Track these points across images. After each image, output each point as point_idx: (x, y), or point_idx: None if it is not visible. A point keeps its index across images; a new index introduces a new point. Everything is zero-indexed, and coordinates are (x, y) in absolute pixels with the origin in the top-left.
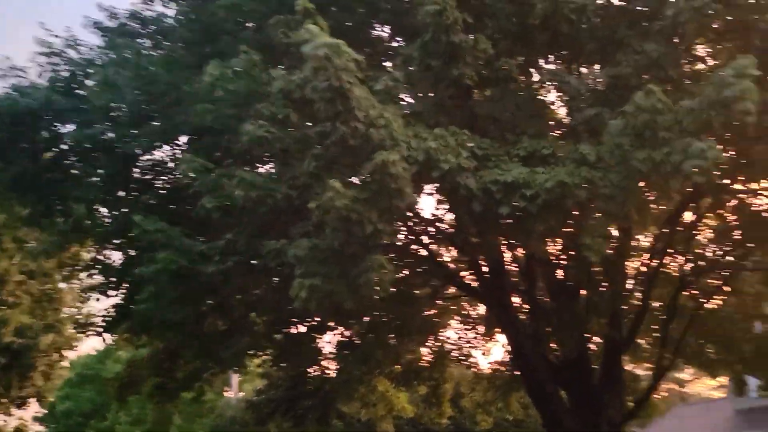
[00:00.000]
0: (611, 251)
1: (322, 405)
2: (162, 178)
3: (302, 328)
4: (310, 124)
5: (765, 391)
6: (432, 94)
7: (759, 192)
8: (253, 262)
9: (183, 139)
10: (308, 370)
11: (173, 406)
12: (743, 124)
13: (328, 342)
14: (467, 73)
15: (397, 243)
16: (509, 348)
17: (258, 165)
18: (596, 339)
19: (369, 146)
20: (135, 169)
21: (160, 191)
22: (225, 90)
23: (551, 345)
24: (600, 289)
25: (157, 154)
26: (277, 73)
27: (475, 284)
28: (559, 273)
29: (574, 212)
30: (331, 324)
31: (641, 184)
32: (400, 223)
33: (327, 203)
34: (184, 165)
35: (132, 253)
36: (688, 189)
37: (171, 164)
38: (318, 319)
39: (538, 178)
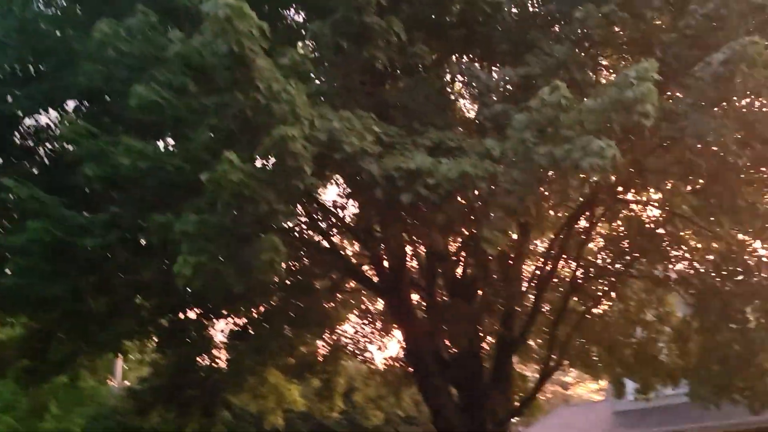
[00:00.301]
0: (509, 252)
1: (209, 395)
2: (46, 145)
3: (192, 315)
4: (209, 95)
5: (641, 395)
6: (342, 78)
7: (648, 203)
8: (142, 241)
9: (72, 105)
10: (197, 358)
11: (49, 393)
12: (640, 130)
13: (220, 330)
14: (378, 56)
15: (297, 230)
16: (404, 344)
17: (151, 136)
18: (489, 339)
19: (269, 120)
20: (15, 134)
21: (43, 160)
22: (117, 50)
23: (445, 342)
24: (496, 288)
25: (42, 119)
26: (175, 37)
27: (375, 279)
28: (459, 271)
29: (475, 205)
30: (224, 312)
31: (541, 180)
32: (300, 210)
33: (220, 177)
34: (65, 128)
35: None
36: (584, 192)
37: (57, 131)
38: (209, 305)
39: (442, 168)
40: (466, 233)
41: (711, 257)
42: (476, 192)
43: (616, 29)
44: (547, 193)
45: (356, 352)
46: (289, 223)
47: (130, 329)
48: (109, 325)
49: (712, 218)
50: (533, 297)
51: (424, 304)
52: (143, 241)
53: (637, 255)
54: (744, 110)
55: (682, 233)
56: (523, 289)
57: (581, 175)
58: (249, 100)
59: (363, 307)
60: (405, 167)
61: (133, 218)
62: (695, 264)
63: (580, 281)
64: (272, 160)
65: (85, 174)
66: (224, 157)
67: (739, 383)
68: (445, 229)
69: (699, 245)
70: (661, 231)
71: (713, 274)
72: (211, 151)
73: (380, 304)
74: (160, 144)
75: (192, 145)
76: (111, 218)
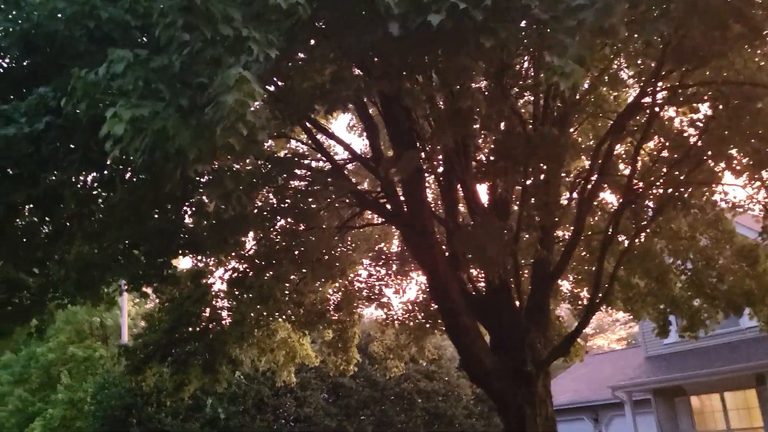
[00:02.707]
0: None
1: (209, 350)
2: None
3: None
4: None
5: (687, 331)
6: None
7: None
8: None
9: None
10: (194, 309)
11: (61, 365)
12: None
13: (219, 277)
14: None
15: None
16: (427, 281)
17: None
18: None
19: None
20: None
21: None
22: None
23: (471, 275)
24: (533, 202)
25: None
26: None
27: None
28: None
29: (535, 24)
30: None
31: None
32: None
33: None
34: None
35: None
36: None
37: None
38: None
39: None
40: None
41: None
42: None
43: None
44: None
45: (371, 297)
46: (270, 54)
47: (96, 264)
48: (57, 252)
49: None
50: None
51: (446, 234)
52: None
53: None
54: None
55: None
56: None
57: None
58: None
59: (377, 248)
60: None
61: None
62: None
63: (627, 203)
64: None
65: None
66: None
67: None
68: (491, 58)
69: None
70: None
71: None
72: None
73: (395, 246)
74: None
75: None
76: (39, 100)
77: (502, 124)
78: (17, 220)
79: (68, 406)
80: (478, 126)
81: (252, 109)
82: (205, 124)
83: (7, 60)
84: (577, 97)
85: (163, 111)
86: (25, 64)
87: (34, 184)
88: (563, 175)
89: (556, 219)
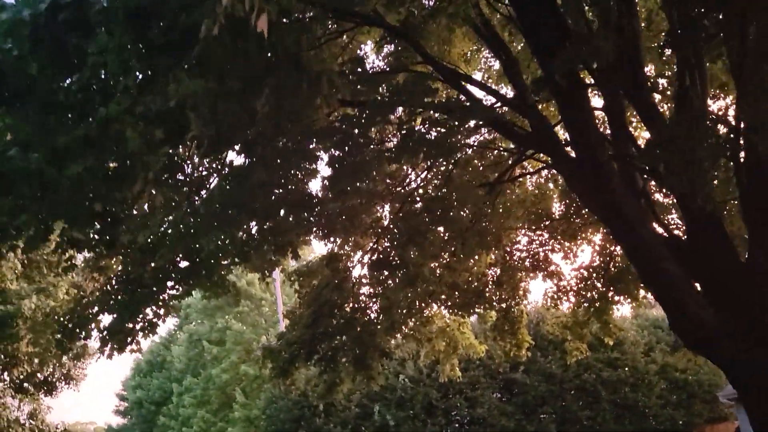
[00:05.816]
0: None
1: (358, 343)
2: None
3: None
4: None
5: None
6: None
7: None
8: None
9: None
10: (332, 298)
11: (236, 384)
12: None
13: (358, 262)
14: None
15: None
16: (600, 242)
17: None
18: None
19: None
20: None
21: None
22: None
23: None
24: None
25: None
26: None
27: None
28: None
29: None
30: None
31: None
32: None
33: None
34: None
35: None
36: None
37: None
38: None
39: None
40: None
41: None
42: None
43: None
44: None
45: (536, 266)
46: None
47: (188, 228)
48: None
49: None
50: None
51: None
52: None
53: None
54: None
55: None
56: None
57: None
58: None
59: (534, 210)
60: None
61: None
62: None
63: None
64: None
65: None
66: None
67: None
68: None
69: None
70: None
71: None
72: None
73: (555, 208)
74: None
75: None
76: None
77: None
78: (69, 167)
79: (246, 424)
80: None
81: None
82: None
83: None
84: None
85: None
86: None
87: (83, 119)
88: None
89: None
